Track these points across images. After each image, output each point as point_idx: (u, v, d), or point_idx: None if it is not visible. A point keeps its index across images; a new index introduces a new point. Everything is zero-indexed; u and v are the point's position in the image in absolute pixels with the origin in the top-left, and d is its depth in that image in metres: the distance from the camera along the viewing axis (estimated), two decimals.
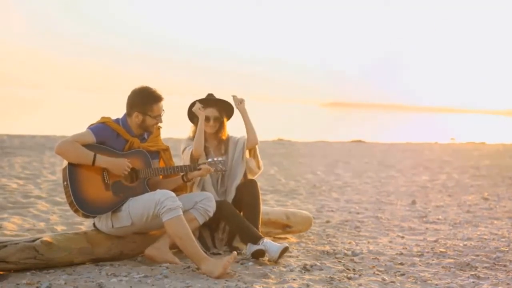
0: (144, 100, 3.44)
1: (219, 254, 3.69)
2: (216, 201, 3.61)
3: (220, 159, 3.64)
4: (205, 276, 3.14)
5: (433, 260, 3.78)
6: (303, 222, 4.38)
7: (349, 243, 4.25)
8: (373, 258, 3.75)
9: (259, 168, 3.95)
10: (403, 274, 3.41)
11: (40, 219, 4.60)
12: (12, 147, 10.34)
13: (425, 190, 7.38)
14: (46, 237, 3.24)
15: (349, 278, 3.27)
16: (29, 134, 13.46)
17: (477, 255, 3.90)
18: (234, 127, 4.07)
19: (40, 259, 3.16)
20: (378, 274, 3.38)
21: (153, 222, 3.37)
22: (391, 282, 3.24)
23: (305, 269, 3.40)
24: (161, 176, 3.61)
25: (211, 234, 3.80)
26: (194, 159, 3.75)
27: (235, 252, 3.23)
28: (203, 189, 3.83)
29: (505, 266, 3.69)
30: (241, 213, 3.77)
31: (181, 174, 3.59)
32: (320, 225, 4.91)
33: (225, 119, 3.92)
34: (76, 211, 3.34)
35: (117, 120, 3.50)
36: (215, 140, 3.95)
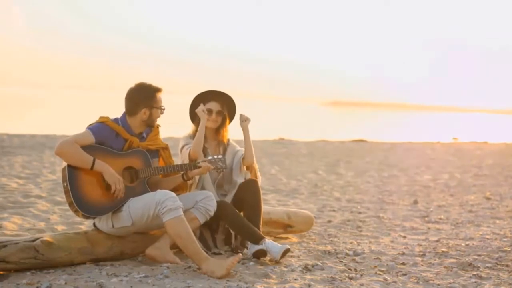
0: (148, 94, 3.46)
1: (220, 254, 3.68)
2: (217, 202, 3.60)
3: (220, 156, 3.63)
4: (206, 276, 3.14)
5: (435, 260, 3.76)
6: (304, 221, 4.37)
7: (351, 243, 4.23)
8: (375, 258, 3.74)
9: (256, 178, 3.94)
10: (405, 274, 3.40)
11: (40, 219, 4.59)
12: (12, 147, 10.35)
13: (427, 190, 7.36)
14: (46, 237, 3.24)
15: (351, 278, 3.25)
16: (29, 133, 13.47)
17: (479, 255, 3.89)
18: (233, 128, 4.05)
19: (40, 259, 3.15)
20: (380, 274, 3.37)
21: (153, 222, 3.37)
22: (393, 282, 3.23)
23: (307, 269, 3.39)
24: (161, 175, 3.59)
25: (212, 234, 3.79)
26: (191, 160, 3.74)
27: (240, 254, 3.23)
28: (202, 189, 3.82)
29: (507, 266, 3.67)
30: (242, 213, 3.76)
31: (181, 172, 3.58)
32: (322, 225, 4.90)
33: (227, 118, 3.88)
34: (76, 211, 3.33)
35: (116, 120, 3.49)
36: (215, 140, 3.92)
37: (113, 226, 3.38)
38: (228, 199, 3.83)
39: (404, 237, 4.54)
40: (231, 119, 3.94)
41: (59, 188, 6.04)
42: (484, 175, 9.20)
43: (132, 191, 3.39)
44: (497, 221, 5.32)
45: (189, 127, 3.95)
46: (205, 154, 3.83)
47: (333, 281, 3.16)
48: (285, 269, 3.37)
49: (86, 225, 4.42)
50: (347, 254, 3.82)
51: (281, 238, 4.30)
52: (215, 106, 3.82)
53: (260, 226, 3.71)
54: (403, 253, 3.92)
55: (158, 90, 3.49)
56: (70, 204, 3.31)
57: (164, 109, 3.53)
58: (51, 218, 4.64)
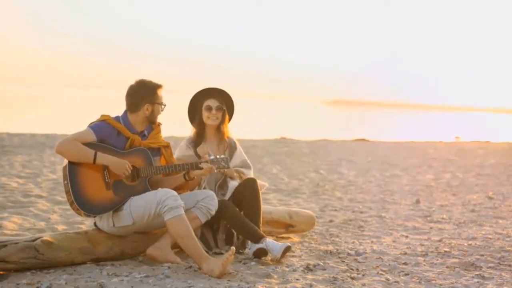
0: (150, 90, 3.46)
1: (221, 253, 3.67)
2: (218, 201, 3.59)
3: (222, 156, 3.61)
4: (207, 276, 3.13)
5: (437, 259, 3.75)
6: (306, 221, 4.35)
7: (353, 242, 4.22)
8: (376, 258, 3.73)
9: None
10: (407, 274, 3.38)
11: (41, 219, 4.58)
12: (12, 146, 10.34)
13: (430, 189, 7.34)
14: (47, 236, 3.22)
15: (353, 278, 3.24)
16: (30, 132, 13.47)
17: (482, 255, 3.87)
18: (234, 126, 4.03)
19: (41, 258, 3.14)
20: (381, 274, 3.35)
21: (154, 221, 3.35)
22: (395, 282, 3.21)
23: (308, 269, 3.37)
24: (162, 174, 3.58)
25: (213, 234, 3.77)
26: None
27: (233, 248, 3.19)
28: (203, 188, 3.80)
29: (510, 265, 3.65)
30: (242, 212, 3.74)
31: (183, 172, 3.56)
32: (323, 225, 4.89)
33: (227, 114, 3.86)
34: (76, 210, 3.32)
35: (117, 118, 3.48)
36: (216, 138, 3.89)
37: (114, 225, 3.37)
38: (226, 198, 3.82)
39: (406, 236, 4.52)
40: (230, 116, 3.92)
41: (59, 188, 6.03)
42: (487, 174, 9.18)
43: (133, 190, 3.38)
44: (500, 221, 5.30)
45: (190, 125, 3.93)
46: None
47: (335, 281, 3.15)
48: (287, 269, 3.35)
49: (86, 224, 4.41)
50: (349, 254, 3.80)
51: (283, 237, 4.28)
52: (213, 102, 3.80)
53: (260, 225, 3.70)
54: (405, 253, 3.90)
55: (159, 86, 3.49)
56: (71, 203, 3.30)
57: (165, 106, 3.52)
58: (51, 217, 4.63)
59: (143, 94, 3.44)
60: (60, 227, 4.29)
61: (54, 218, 4.63)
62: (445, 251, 3.96)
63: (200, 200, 3.49)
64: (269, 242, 3.52)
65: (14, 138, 11.74)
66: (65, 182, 3.29)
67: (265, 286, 3.01)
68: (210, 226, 3.74)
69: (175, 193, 3.31)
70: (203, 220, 3.51)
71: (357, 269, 3.44)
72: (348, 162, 10.42)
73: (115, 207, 3.34)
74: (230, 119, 3.92)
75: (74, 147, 3.25)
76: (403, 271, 3.43)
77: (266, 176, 8.06)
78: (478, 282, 3.27)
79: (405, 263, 3.63)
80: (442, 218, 5.38)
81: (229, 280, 3.05)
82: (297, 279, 3.14)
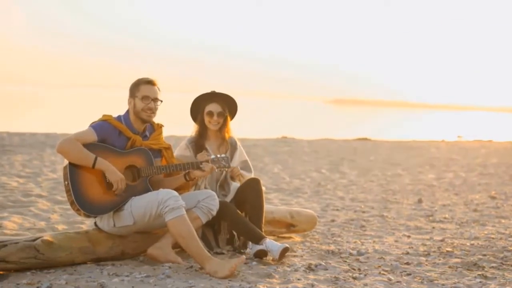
0: (133, 85, 3.48)
1: (223, 253, 3.66)
2: (219, 202, 3.57)
3: (223, 156, 3.59)
4: (208, 276, 3.12)
5: (439, 259, 3.73)
6: (307, 221, 4.34)
7: (355, 242, 4.20)
8: (378, 258, 3.71)
9: None
10: (409, 274, 3.36)
11: (41, 218, 4.57)
12: (12, 145, 10.33)
13: (432, 189, 7.32)
14: (47, 236, 3.22)
15: (355, 278, 3.22)
16: (30, 131, 13.47)
17: (484, 255, 3.85)
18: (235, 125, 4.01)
19: (41, 258, 3.13)
20: (383, 274, 3.34)
21: (155, 222, 3.34)
22: (397, 282, 3.20)
23: (310, 268, 3.36)
24: (163, 175, 3.57)
25: (214, 234, 3.76)
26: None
27: (243, 257, 3.21)
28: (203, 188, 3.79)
29: None
30: (244, 212, 3.73)
31: (184, 172, 3.55)
32: (325, 224, 4.87)
33: (228, 117, 3.85)
34: (77, 210, 3.31)
35: (118, 118, 3.47)
36: (217, 139, 3.88)
37: (114, 225, 3.36)
38: (228, 199, 3.80)
39: (409, 236, 4.51)
40: (232, 117, 3.91)
41: (59, 187, 6.02)
42: (489, 173, 9.15)
43: (134, 190, 3.37)
44: (503, 220, 5.28)
45: (190, 125, 3.91)
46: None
47: (336, 281, 3.13)
48: (288, 269, 3.34)
49: (87, 224, 4.40)
50: (350, 254, 3.79)
51: (284, 237, 4.27)
52: (215, 107, 3.78)
53: (262, 225, 3.69)
54: (407, 253, 3.88)
55: (145, 81, 3.46)
56: (71, 203, 3.29)
57: (151, 103, 3.39)
58: (51, 217, 4.62)
59: (130, 89, 3.49)
60: (61, 227, 4.28)
61: (55, 218, 4.62)
62: (448, 251, 3.95)
63: (201, 200, 3.48)
64: (269, 242, 3.51)
65: (14, 137, 11.73)
66: (66, 182, 3.28)
67: (266, 286, 2.99)
68: (211, 226, 3.72)
69: (176, 193, 3.30)
70: (204, 220, 3.49)
71: (359, 269, 3.42)
72: (350, 162, 10.40)
73: (116, 207, 3.33)
74: (231, 119, 3.91)
75: (76, 149, 3.24)
76: (405, 271, 3.42)
77: (268, 176, 8.05)
78: (480, 282, 3.25)
79: (407, 263, 3.61)
80: (445, 218, 5.36)
81: (230, 280, 3.04)
82: (298, 279, 3.13)
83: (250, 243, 3.62)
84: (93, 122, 3.42)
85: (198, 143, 3.82)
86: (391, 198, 6.46)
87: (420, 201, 6.27)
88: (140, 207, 3.31)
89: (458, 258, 3.78)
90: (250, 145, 12.28)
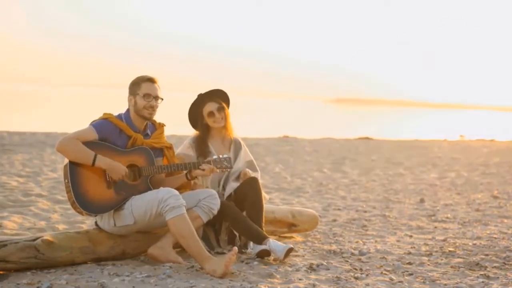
0: (134, 82, 3.46)
1: (224, 253, 3.64)
2: (220, 202, 3.56)
3: (225, 156, 3.57)
4: (209, 275, 3.11)
5: (441, 259, 3.71)
6: (309, 220, 4.32)
7: (356, 242, 4.19)
8: (380, 258, 3.69)
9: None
10: (411, 274, 3.35)
11: (41, 218, 4.56)
12: (12, 144, 10.33)
13: (434, 188, 7.30)
14: (47, 236, 3.21)
15: (356, 278, 3.21)
16: (30, 131, 13.46)
17: (487, 255, 3.83)
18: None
19: (41, 258, 3.12)
20: (385, 274, 3.32)
21: (156, 221, 3.33)
22: (399, 282, 3.18)
23: (311, 268, 3.35)
24: (164, 174, 3.55)
25: (215, 234, 3.74)
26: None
27: (235, 248, 3.17)
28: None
29: None
30: (244, 212, 3.71)
31: (185, 172, 3.53)
32: (327, 224, 4.86)
33: (226, 109, 3.82)
34: (77, 209, 3.30)
35: (119, 116, 3.46)
36: (220, 136, 3.86)
37: (115, 225, 3.35)
38: (224, 197, 3.78)
39: (410, 236, 4.49)
40: (228, 106, 3.88)
41: (60, 187, 6.01)
42: (492, 173, 9.12)
43: (135, 189, 3.36)
44: (505, 220, 5.26)
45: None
46: (207, 154, 3.76)
47: (338, 281, 3.12)
48: (290, 268, 3.33)
49: (87, 224, 4.39)
50: (352, 254, 3.77)
51: (286, 237, 4.26)
52: (213, 106, 3.76)
53: (263, 224, 3.67)
54: (409, 253, 3.87)
55: (145, 79, 3.45)
56: (72, 202, 3.28)
57: (152, 101, 3.39)
58: (51, 217, 4.61)
59: (130, 87, 3.47)
60: (61, 227, 4.27)
61: (55, 218, 4.61)
62: (450, 251, 3.93)
63: (202, 199, 3.47)
64: (272, 242, 3.49)
65: (14, 137, 11.73)
66: (66, 181, 3.27)
67: (267, 286, 2.98)
68: (212, 226, 3.71)
69: (176, 192, 3.29)
70: (205, 219, 3.48)
71: (361, 269, 3.41)
72: (351, 161, 10.38)
73: (116, 206, 3.32)
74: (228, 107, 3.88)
75: (75, 146, 3.23)
76: (407, 271, 3.40)
77: (269, 175, 8.03)
78: (483, 282, 3.23)
79: (409, 263, 3.60)
80: (447, 218, 5.34)
81: (231, 280, 3.03)
82: (300, 279, 3.11)
83: (251, 242, 3.61)
84: (93, 121, 3.40)
85: (201, 142, 3.80)
86: (393, 198, 6.44)
87: (422, 200, 6.25)
88: (141, 206, 3.30)
89: (460, 258, 3.76)
90: (251, 145, 12.26)
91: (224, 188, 3.84)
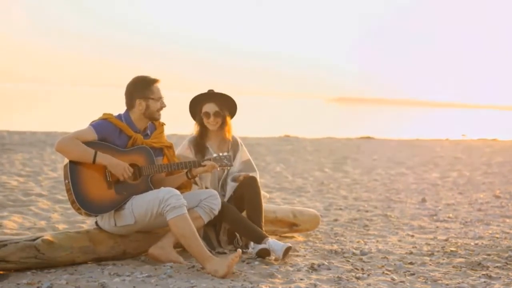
0: (142, 85, 3.41)
1: (225, 253, 3.64)
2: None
3: (225, 154, 3.57)
4: (210, 275, 3.10)
5: (443, 259, 3.70)
6: (310, 220, 4.31)
7: (358, 242, 4.18)
8: (382, 258, 3.68)
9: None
10: (413, 274, 3.34)
11: (41, 218, 4.56)
12: (12, 144, 10.32)
13: (436, 188, 7.28)
14: (47, 236, 3.20)
15: (358, 278, 3.20)
16: (30, 130, 13.45)
17: (489, 254, 3.82)
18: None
19: (41, 258, 3.12)
20: (387, 274, 3.31)
21: (157, 221, 3.32)
22: (401, 282, 3.17)
23: (313, 268, 3.34)
24: (165, 173, 3.54)
25: (216, 234, 3.73)
26: None
27: (239, 250, 3.17)
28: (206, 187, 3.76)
29: None
30: (243, 211, 3.71)
31: (185, 170, 3.53)
32: (328, 224, 4.84)
33: (228, 117, 3.81)
34: (77, 209, 3.29)
35: (119, 116, 3.45)
36: (218, 138, 3.84)
37: (115, 225, 3.34)
38: (225, 198, 3.78)
39: (412, 236, 4.48)
40: (232, 116, 3.86)
41: (60, 186, 6.01)
42: (494, 172, 9.10)
43: (135, 189, 3.35)
44: (507, 220, 5.24)
45: (192, 124, 3.88)
46: (205, 154, 3.75)
47: (339, 281, 3.11)
48: (291, 268, 3.32)
49: (87, 224, 4.38)
50: (353, 254, 3.76)
51: (287, 237, 4.24)
52: (211, 107, 3.74)
53: (262, 223, 3.66)
54: (411, 253, 3.85)
55: (154, 81, 3.44)
56: (72, 202, 3.27)
57: (163, 103, 3.43)
58: (52, 216, 4.61)
59: (136, 90, 3.41)
60: (61, 226, 4.26)
61: (55, 217, 4.60)
62: (452, 251, 3.91)
63: (203, 199, 3.46)
64: (272, 242, 3.49)
65: (14, 136, 11.72)
66: (66, 181, 3.26)
67: (268, 286, 2.97)
68: (213, 226, 3.70)
69: (178, 192, 3.28)
70: (206, 219, 3.47)
71: (362, 269, 3.39)
72: (353, 160, 10.36)
73: (117, 206, 3.31)
74: (231, 118, 3.87)
75: (74, 145, 3.22)
76: (409, 271, 3.39)
77: (270, 175, 8.02)
78: (485, 282, 3.22)
79: (411, 263, 3.58)
80: (449, 217, 5.33)
81: (232, 280, 3.02)
82: (301, 279, 3.10)
83: (252, 242, 3.60)
84: (93, 121, 3.39)
85: (199, 142, 3.79)
86: (394, 197, 6.43)
87: (424, 200, 6.24)
88: (141, 206, 3.29)
89: (462, 257, 3.74)
90: (252, 144, 12.25)
91: (223, 189, 3.83)
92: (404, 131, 24.01)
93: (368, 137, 17.21)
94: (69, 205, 4.81)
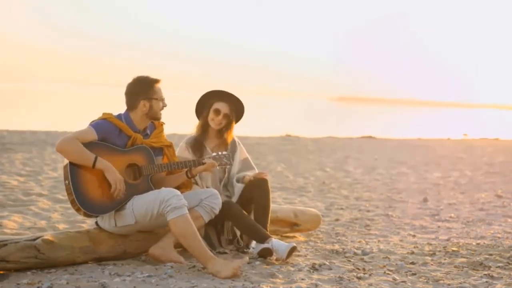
0: (145, 86, 3.41)
1: (225, 253, 3.63)
2: (222, 202, 3.53)
3: (225, 153, 3.56)
4: (210, 276, 3.09)
5: (445, 259, 3.69)
6: (311, 220, 4.30)
7: (359, 242, 4.17)
8: (383, 257, 3.67)
9: None
10: (414, 274, 3.33)
11: (41, 217, 4.55)
12: (12, 143, 10.31)
13: (437, 188, 7.27)
14: (48, 235, 3.19)
15: (359, 278, 3.19)
16: (30, 129, 13.45)
17: (491, 254, 3.81)
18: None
19: (41, 258, 3.11)
20: (388, 274, 3.30)
21: (157, 221, 3.31)
22: (402, 281, 3.16)
23: (314, 268, 3.33)
24: (165, 173, 3.54)
25: (217, 233, 3.72)
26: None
27: (247, 258, 3.18)
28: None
29: None
30: (249, 212, 3.69)
31: (185, 169, 3.52)
32: (329, 223, 4.84)
33: (233, 122, 3.79)
34: (78, 210, 3.28)
35: (119, 116, 3.44)
36: (217, 138, 3.82)
37: (116, 225, 3.33)
38: (234, 201, 3.76)
39: (414, 236, 4.47)
40: (237, 121, 3.85)
41: (60, 186, 6.00)
42: (496, 172, 9.08)
43: (136, 189, 3.34)
44: (509, 220, 5.23)
45: (193, 123, 3.87)
46: (203, 153, 3.74)
47: (341, 281, 3.10)
48: (292, 268, 3.31)
49: (88, 223, 4.38)
50: (355, 253, 3.75)
51: (288, 236, 4.24)
52: (224, 107, 3.72)
53: (268, 225, 3.65)
54: (413, 252, 3.84)
55: (155, 81, 3.44)
56: (72, 202, 3.26)
57: (165, 103, 3.45)
58: (52, 216, 4.60)
59: (139, 90, 3.40)
60: (61, 226, 4.26)
61: (55, 217, 4.59)
62: (453, 251, 3.90)
63: (203, 199, 3.45)
64: (275, 242, 3.47)
65: (14, 136, 11.72)
66: (67, 182, 3.25)
67: (270, 286, 2.96)
68: (214, 226, 3.69)
69: (178, 192, 3.27)
70: (207, 219, 3.46)
71: (364, 269, 3.38)
72: (354, 160, 10.35)
73: (117, 206, 3.30)
74: (236, 122, 3.85)
75: (75, 147, 3.21)
76: (410, 271, 3.38)
77: (271, 174, 8.01)
78: (486, 282, 3.21)
79: (412, 263, 3.57)
80: (450, 217, 5.32)
81: (233, 280, 3.01)
82: (302, 279, 3.10)
83: (253, 242, 3.58)
84: (93, 121, 3.39)
85: (197, 142, 3.77)
86: (396, 197, 6.42)
87: (425, 200, 6.23)
88: (142, 206, 3.28)
89: (464, 257, 3.73)
90: (253, 143, 12.24)
91: (227, 189, 3.82)
92: (406, 130, 23.98)
93: (370, 137, 17.20)
94: (69, 205, 4.80)
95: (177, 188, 3.44)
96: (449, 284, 3.14)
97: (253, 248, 3.61)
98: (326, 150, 12.03)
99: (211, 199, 3.46)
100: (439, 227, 4.86)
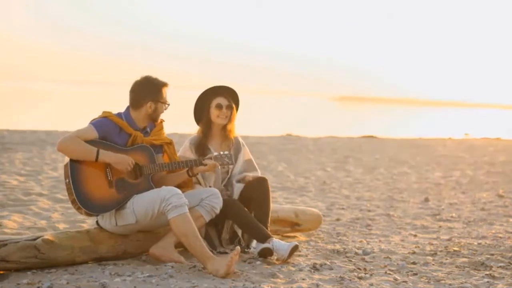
0: (154, 88, 3.42)
1: (226, 253, 3.62)
2: (224, 199, 3.53)
3: (226, 152, 3.55)
4: (211, 275, 3.09)
5: (446, 259, 3.68)
6: (312, 220, 4.29)
7: (360, 241, 4.16)
8: (384, 257, 3.66)
9: None
10: (415, 274, 3.32)
11: (41, 217, 4.54)
12: (12, 143, 10.30)
13: (439, 187, 7.26)
14: (48, 235, 3.18)
15: (360, 278, 3.18)
16: (30, 129, 13.44)
17: (492, 254, 3.80)
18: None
19: (42, 258, 3.10)
20: (390, 274, 3.29)
21: (158, 220, 3.31)
22: (403, 281, 3.15)
23: (315, 268, 3.32)
24: (165, 171, 3.53)
25: (217, 233, 3.72)
26: None
27: (238, 248, 3.14)
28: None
29: None
30: (249, 211, 3.68)
31: (186, 169, 3.51)
32: (330, 223, 4.83)
33: (235, 110, 3.79)
34: (78, 209, 3.28)
35: (119, 114, 3.44)
36: (220, 137, 3.81)
37: (116, 224, 3.33)
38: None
39: (415, 235, 4.46)
40: (237, 108, 3.85)
41: (60, 186, 5.99)
42: (497, 172, 9.07)
43: (136, 188, 3.34)
44: (510, 219, 5.22)
45: (194, 123, 3.86)
46: (207, 154, 3.73)
47: (342, 281, 3.09)
48: (293, 268, 3.30)
49: (88, 223, 4.37)
50: (356, 253, 3.74)
51: (289, 236, 4.23)
52: (223, 101, 3.73)
53: (268, 225, 3.64)
54: (414, 252, 3.83)
55: (164, 84, 3.46)
56: (73, 202, 3.26)
57: (168, 105, 3.49)
58: (52, 216, 4.59)
59: (147, 92, 3.41)
60: (62, 226, 4.25)
61: (55, 217, 4.59)
62: (455, 250, 3.89)
63: (204, 198, 3.44)
64: (276, 242, 3.46)
65: (14, 135, 11.71)
66: (67, 181, 3.25)
67: (270, 286, 2.96)
68: (214, 225, 3.68)
69: (179, 191, 3.27)
70: (208, 218, 3.45)
71: (365, 269, 3.37)
72: (355, 160, 10.34)
73: (118, 205, 3.30)
74: (237, 110, 3.85)
75: (76, 144, 3.21)
76: (411, 271, 3.37)
77: (272, 174, 8.00)
78: (488, 282, 3.20)
79: (413, 263, 3.57)
80: (452, 217, 5.31)
81: (234, 280, 3.01)
82: (303, 279, 3.09)
83: (254, 242, 3.58)
84: (93, 119, 3.39)
85: (200, 143, 3.76)
86: (397, 197, 6.40)
87: (426, 199, 6.21)
88: (142, 205, 3.27)
89: (465, 257, 3.72)
90: (254, 143, 12.23)
91: (227, 189, 3.81)
92: (407, 130, 23.96)
93: (371, 136, 17.18)
94: (69, 205, 4.80)
95: (178, 186, 3.44)
96: (450, 284, 3.13)
97: (253, 247, 3.60)
98: (327, 150, 12.01)
99: (212, 198, 3.45)
100: (440, 227, 4.85)
